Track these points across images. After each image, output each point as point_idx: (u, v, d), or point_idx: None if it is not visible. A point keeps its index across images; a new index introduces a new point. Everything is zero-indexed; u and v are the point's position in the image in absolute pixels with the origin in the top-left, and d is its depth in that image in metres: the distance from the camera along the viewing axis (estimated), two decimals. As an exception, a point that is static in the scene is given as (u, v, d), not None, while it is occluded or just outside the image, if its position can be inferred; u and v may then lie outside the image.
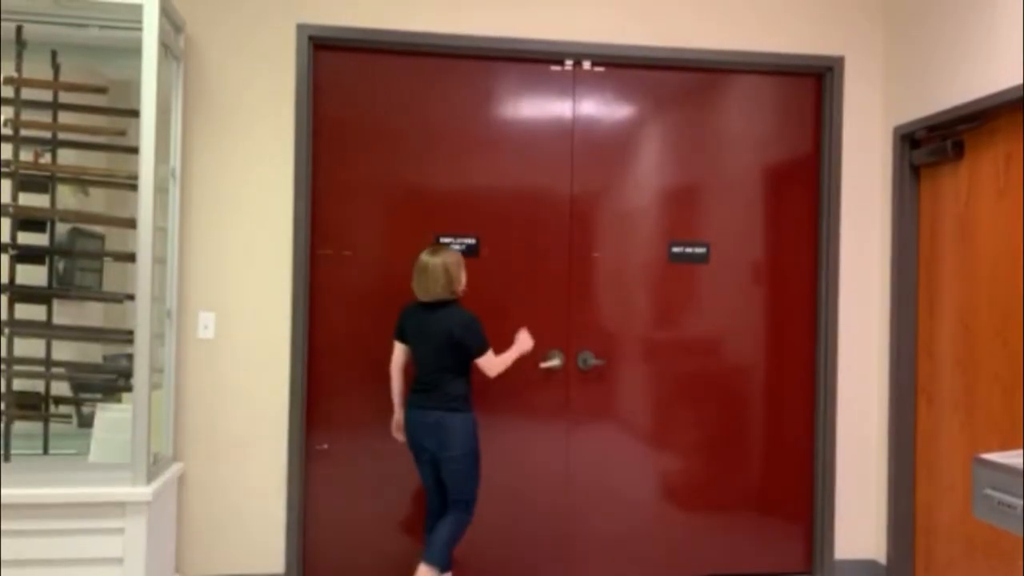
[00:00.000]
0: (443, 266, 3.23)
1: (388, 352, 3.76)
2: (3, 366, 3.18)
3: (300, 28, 3.57)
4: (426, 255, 3.27)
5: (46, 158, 3.29)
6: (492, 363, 3.29)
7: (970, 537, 3.33)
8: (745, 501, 3.92)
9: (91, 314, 3.47)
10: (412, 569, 3.77)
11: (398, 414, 3.48)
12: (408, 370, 3.45)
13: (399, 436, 3.49)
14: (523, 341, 3.46)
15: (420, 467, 3.39)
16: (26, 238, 3.25)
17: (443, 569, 3.25)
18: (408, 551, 3.88)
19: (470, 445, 3.27)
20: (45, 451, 3.29)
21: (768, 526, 3.93)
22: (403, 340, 3.40)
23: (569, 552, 3.83)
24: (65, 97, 3.32)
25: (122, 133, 3.33)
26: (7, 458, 3.14)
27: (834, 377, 3.87)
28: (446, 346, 3.22)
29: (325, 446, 3.70)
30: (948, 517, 3.48)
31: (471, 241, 3.80)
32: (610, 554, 3.84)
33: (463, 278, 3.32)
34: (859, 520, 3.90)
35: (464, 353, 3.25)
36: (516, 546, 3.83)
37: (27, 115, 3.26)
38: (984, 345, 3.27)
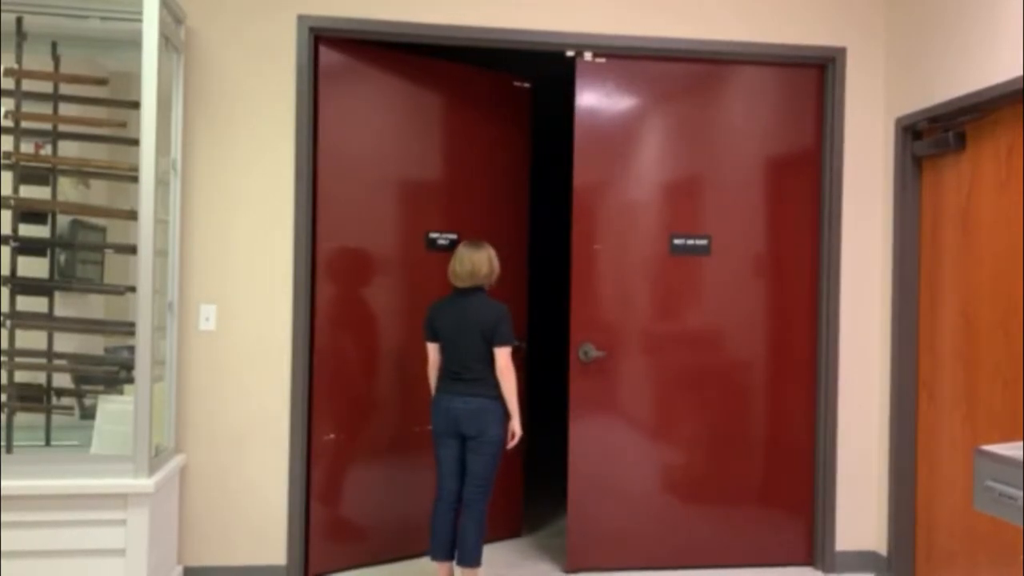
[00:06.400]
0: (485, 256, 3.40)
1: (393, 342, 3.80)
2: (5, 358, 3.18)
3: (300, 19, 3.56)
4: (464, 248, 3.42)
5: (47, 150, 3.29)
6: (508, 361, 3.34)
7: (971, 529, 3.33)
8: (746, 493, 3.93)
9: (93, 306, 3.47)
10: (423, 570, 3.80)
11: None
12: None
13: None
14: (517, 429, 3.44)
15: (443, 451, 3.40)
16: (27, 230, 3.25)
17: (480, 561, 3.36)
18: (413, 541, 3.90)
19: (503, 432, 3.37)
20: (47, 443, 3.30)
21: (769, 518, 3.94)
22: (435, 338, 3.45)
23: (569, 542, 3.84)
24: (66, 89, 3.31)
25: (123, 125, 3.32)
26: (9, 450, 3.14)
27: (835, 369, 3.87)
28: (481, 336, 3.32)
29: (331, 436, 3.70)
30: (949, 509, 3.48)
31: (454, 237, 3.81)
32: (610, 545, 3.85)
33: (496, 270, 3.46)
34: (860, 512, 3.90)
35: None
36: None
37: (28, 107, 3.26)
38: (985, 338, 3.27)
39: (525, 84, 4.28)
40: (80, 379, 3.42)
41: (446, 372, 3.40)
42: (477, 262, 3.37)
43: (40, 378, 3.31)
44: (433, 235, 3.96)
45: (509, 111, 4.27)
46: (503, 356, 3.32)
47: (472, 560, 3.34)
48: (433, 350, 3.47)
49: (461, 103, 4.07)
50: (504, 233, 4.20)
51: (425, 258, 3.97)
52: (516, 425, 3.38)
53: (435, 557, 3.40)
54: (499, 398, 3.35)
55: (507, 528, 4.28)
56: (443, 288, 3.93)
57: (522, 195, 4.34)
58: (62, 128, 3.30)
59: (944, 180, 3.56)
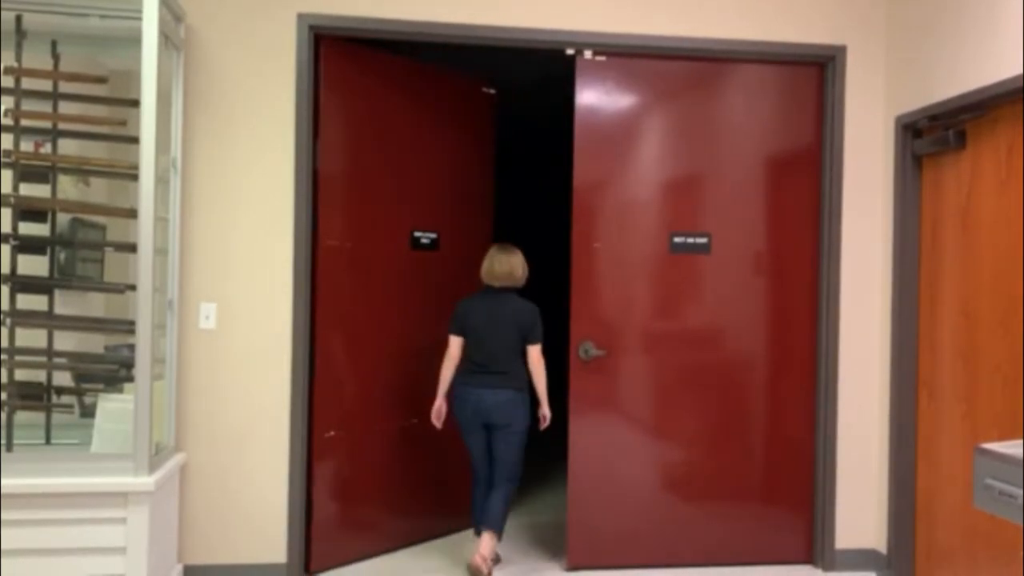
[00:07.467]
0: (519, 260, 3.73)
1: (391, 338, 3.80)
2: (5, 356, 3.18)
3: (300, 18, 3.56)
4: (498, 251, 3.71)
5: (47, 148, 3.28)
6: (540, 356, 3.67)
7: (970, 527, 3.33)
8: (746, 491, 3.93)
9: (93, 304, 3.47)
10: (417, 557, 3.80)
11: (439, 402, 3.73)
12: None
13: (438, 423, 3.74)
14: (548, 412, 3.79)
15: (472, 440, 3.72)
16: (27, 228, 3.25)
17: (501, 533, 3.65)
18: (411, 531, 3.90)
19: (529, 421, 3.71)
20: (47, 441, 3.30)
21: (769, 516, 3.94)
22: (462, 332, 3.69)
23: (569, 540, 3.84)
24: (65, 87, 3.31)
25: (123, 123, 3.32)
26: (9, 448, 3.14)
27: (835, 367, 3.87)
28: (517, 332, 3.64)
29: (332, 433, 3.70)
30: (949, 507, 3.48)
31: (434, 236, 3.82)
32: (610, 543, 3.85)
33: (527, 273, 3.77)
34: (860, 510, 3.91)
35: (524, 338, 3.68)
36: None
37: (27, 105, 3.26)
38: (985, 336, 3.27)
39: (491, 90, 4.45)
40: (80, 377, 3.42)
41: (470, 364, 3.64)
42: (515, 264, 3.68)
43: (40, 376, 3.31)
44: (417, 234, 4.01)
45: (477, 115, 4.39)
46: (536, 351, 3.65)
47: (497, 525, 3.60)
48: (456, 344, 3.68)
49: (445, 106, 4.19)
50: (481, 231, 4.38)
51: (410, 256, 4.05)
52: (546, 409, 3.72)
53: (479, 532, 3.68)
54: (525, 390, 3.65)
55: None
56: (430, 286, 4.05)
57: (488, 195, 4.50)
58: (62, 126, 3.30)
59: (944, 178, 3.56)
